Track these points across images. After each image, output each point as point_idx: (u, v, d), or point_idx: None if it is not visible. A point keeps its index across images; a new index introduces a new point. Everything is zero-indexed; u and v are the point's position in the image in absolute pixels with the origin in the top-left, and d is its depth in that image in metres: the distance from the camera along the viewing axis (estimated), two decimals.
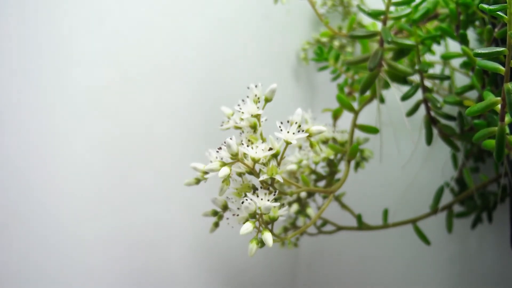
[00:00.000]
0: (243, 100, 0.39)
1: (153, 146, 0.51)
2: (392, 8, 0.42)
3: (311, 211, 0.46)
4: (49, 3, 0.47)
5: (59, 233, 0.47)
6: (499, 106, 0.34)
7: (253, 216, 0.36)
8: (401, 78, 0.44)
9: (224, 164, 0.36)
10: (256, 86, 0.39)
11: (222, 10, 0.55)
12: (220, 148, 0.37)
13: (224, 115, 0.41)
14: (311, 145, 0.39)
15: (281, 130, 0.37)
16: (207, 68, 0.54)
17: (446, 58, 0.47)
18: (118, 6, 0.50)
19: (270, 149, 0.37)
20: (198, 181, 0.40)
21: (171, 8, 0.52)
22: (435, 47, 0.49)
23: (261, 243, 0.37)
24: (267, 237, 0.35)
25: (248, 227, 0.35)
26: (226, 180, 0.37)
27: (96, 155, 0.48)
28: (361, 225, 0.48)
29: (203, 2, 0.54)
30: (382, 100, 0.49)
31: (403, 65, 0.44)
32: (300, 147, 0.47)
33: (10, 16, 0.45)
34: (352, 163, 0.48)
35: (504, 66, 0.33)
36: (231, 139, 0.36)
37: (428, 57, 0.50)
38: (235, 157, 0.36)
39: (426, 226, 0.49)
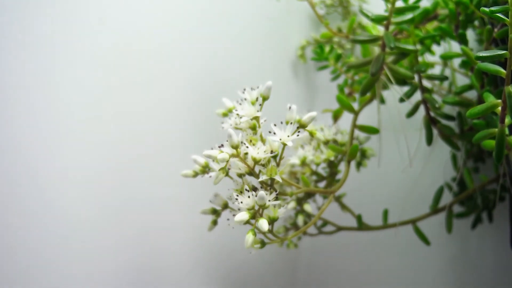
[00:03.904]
0: (240, 104, 0.39)
1: (152, 140, 0.51)
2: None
3: (308, 207, 0.46)
4: (49, 4, 0.47)
5: (60, 229, 0.47)
6: (499, 108, 0.34)
7: (252, 214, 0.36)
8: (401, 80, 0.44)
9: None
10: (252, 89, 0.39)
11: (221, 10, 0.55)
12: (222, 145, 0.37)
13: (225, 108, 0.41)
14: (311, 134, 0.39)
15: (275, 133, 0.37)
16: (206, 68, 0.54)
17: (445, 58, 0.47)
18: (117, 5, 0.50)
19: (272, 151, 0.37)
20: (195, 174, 0.40)
21: (172, 7, 0.52)
22: (437, 48, 0.49)
23: (262, 244, 0.37)
24: (263, 223, 0.35)
25: (243, 215, 0.35)
26: (223, 169, 0.37)
27: (97, 151, 0.49)
28: (361, 226, 0.48)
29: (203, 1, 0.54)
30: (382, 101, 0.49)
31: (403, 67, 0.45)
32: (301, 146, 0.47)
33: (10, 17, 0.45)
34: (354, 163, 0.49)
35: (504, 67, 0.33)
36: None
37: (429, 58, 0.50)
38: (235, 149, 0.36)
39: (426, 226, 0.49)
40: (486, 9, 0.33)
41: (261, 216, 0.36)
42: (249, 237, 0.36)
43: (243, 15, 0.56)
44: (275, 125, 0.37)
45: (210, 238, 0.52)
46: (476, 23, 0.46)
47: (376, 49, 0.48)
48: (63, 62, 0.48)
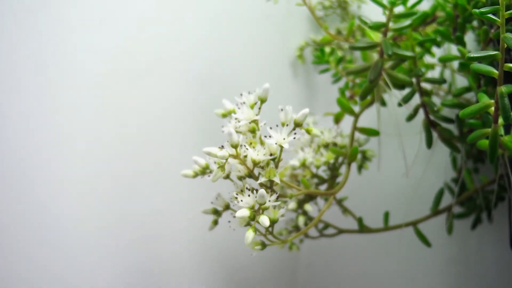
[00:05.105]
0: (239, 108, 0.39)
1: (153, 143, 0.52)
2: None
3: (309, 206, 0.46)
4: (51, 2, 0.48)
5: (59, 231, 0.48)
6: (492, 108, 0.34)
7: (252, 213, 0.36)
8: (399, 85, 0.44)
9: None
10: (249, 93, 0.39)
11: (222, 12, 0.55)
12: (222, 147, 0.37)
13: (224, 109, 0.42)
14: (307, 131, 0.39)
15: (271, 136, 0.37)
16: (206, 67, 0.54)
17: (444, 60, 0.47)
18: (118, 4, 0.51)
19: (271, 154, 0.37)
20: (195, 174, 0.41)
21: (173, 8, 0.53)
22: (438, 49, 0.49)
23: (262, 245, 0.38)
24: (264, 219, 0.35)
25: (244, 211, 0.36)
26: (222, 167, 0.37)
27: (97, 153, 0.49)
28: (362, 228, 0.48)
29: (203, 2, 0.55)
30: (383, 104, 0.50)
31: (403, 69, 0.45)
32: (301, 149, 0.47)
33: (12, 13, 0.46)
34: (355, 166, 0.49)
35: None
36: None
37: (430, 59, 0.51)
38: (235, 148, 0.36)
39: (427, 227, 0.49)
40: (477, 10, 0.33)
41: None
42: (249, 234, 0.36)
43: (243, 16, 0.56)
44: (271, 128, 0.37)
45: (212, 241, 0.52)
46: (476, 24, 0.46)
47: (375, 54, 0.48)
48: (62, 64, 0.48)
